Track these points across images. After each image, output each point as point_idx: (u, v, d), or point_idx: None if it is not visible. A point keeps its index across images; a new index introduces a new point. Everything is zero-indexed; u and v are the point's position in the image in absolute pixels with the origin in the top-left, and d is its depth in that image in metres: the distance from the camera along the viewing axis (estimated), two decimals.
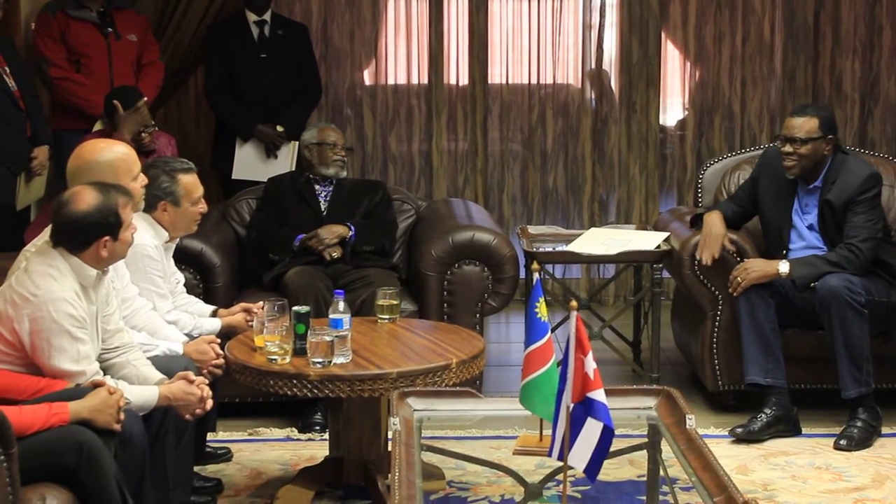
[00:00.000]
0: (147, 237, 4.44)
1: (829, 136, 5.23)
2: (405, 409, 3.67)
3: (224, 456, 4.88)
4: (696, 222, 5.53)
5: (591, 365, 2.99)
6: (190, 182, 4.60)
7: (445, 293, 5.39)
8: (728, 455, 4.90)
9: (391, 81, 7.69)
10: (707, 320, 5.41)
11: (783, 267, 5.11)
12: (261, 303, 4.45)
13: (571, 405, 3.02)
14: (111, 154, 4.16)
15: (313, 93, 6.97)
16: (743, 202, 5.51)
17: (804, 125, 5.21)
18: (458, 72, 7.64)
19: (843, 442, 5.02)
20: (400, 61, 7.68)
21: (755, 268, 5.14)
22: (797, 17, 7.62)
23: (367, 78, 7.69)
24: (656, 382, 5.34)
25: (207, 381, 3.97)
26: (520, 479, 3.71)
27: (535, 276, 3.50)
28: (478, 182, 7.66)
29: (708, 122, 7.76)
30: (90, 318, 3.77)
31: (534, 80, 7.73)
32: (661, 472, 3.73)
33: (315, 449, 4.96)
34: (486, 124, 7.65)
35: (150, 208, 4.50)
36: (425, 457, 4.25)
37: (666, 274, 5.73)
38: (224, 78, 6.76)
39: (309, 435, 5.17)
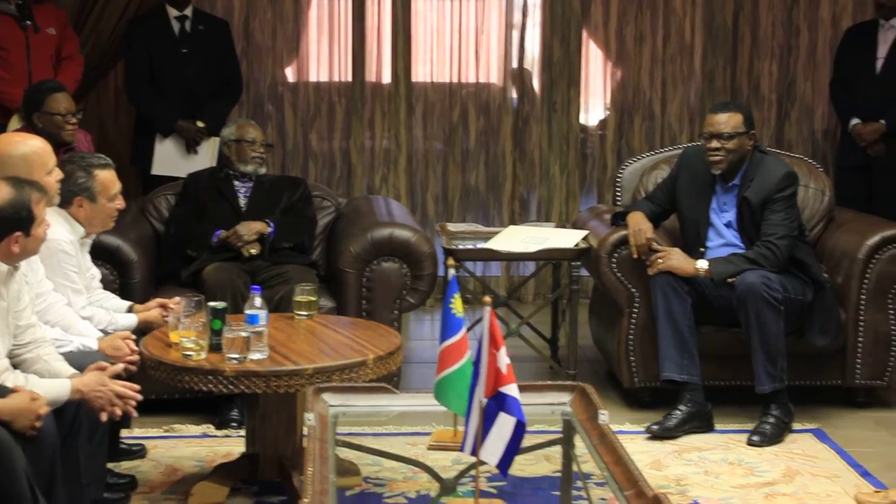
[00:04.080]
0: (62, 232, 4.40)
1: (752, 132, 5.30)
2: (320, 404, 3.67)
3: (138, 453, 4.85)
4: (616, 220, 5.57)
5: (503, 360, 3.01)
6: (107, 178, 4.55)
7: (364, 290, 5.40)
8: (643, 451, 4.95)
9: (313, 78, 7.68)
10: (623, 318, 5.46)
11: (701, 264, 5.17)
12: (177, 298, 4.43)
13: (484, 400, 3.04)
14: (25, 148, 4.13)
15: (234, 89, 6.94)
16: (661, 201, 5.56)
17: (730, 120, 5.27)
18: (380, 70, 7.63)
19: (755, 438, 5.09)
20: (322, 58, 7.67)
21: (676, 258, 5.20)
22: (716, 19, 7.70)
23: (289, 75, 7.67)
24: (573, 379, 5.38)
25: (124, 375, 3.95)
26: (434, 475, 3.73)
27: (451, 272, 3.50)
28: (400, 180, 7.66)
29: (628, 122, 7.83)
30: (0, 314, 3.73)
31: (456, 79, 7.74)
32: (575, 468, 3.76)
33: (231, 445, 4.94)
34: (408, 122, 7.66)
35: (65, 203, 4.46)
36: (341, 453, 4.28)
37: (584, 272, 5.78)
38: (144, 73, 6.72)
39: (226, 431, 5.16)
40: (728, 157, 5.26)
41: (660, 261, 5.20)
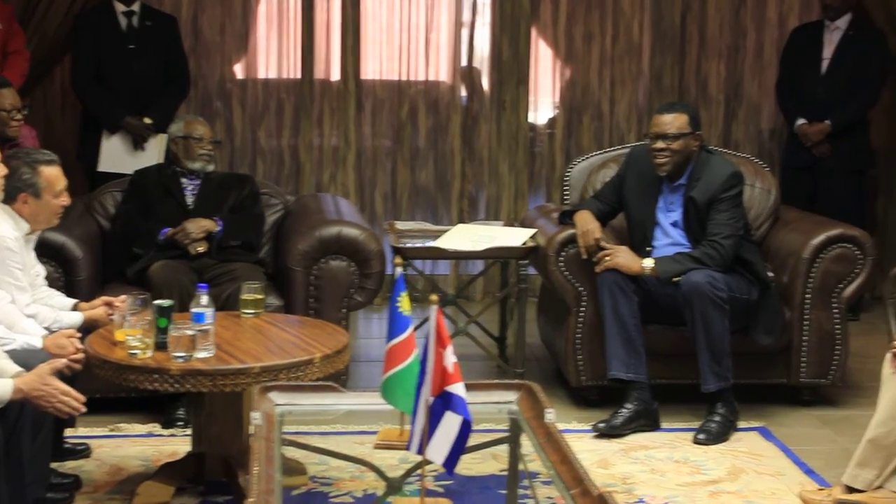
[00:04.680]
0: (7, 229, 4.35)
1: (697, 133, 5.33)
2: (266, 403, 3.65)
3: (83, 452, 4.81)
4: (564, 219, 5.59)
5: (450, 359, 3.01)
6: (52, 174, 4.51)
7: (311, 288, 5.38)
8: (590, 449, 4.97)
9: (262, 75, 7.65)
10: (571, 316, 5.47)
11: (647, 263, 5.20)
12: (123, 297, 4.40)
13: (431, 399, 3.04)
14: None
15: (182, 85, 6.90)
16: (609, 200, 5.58)
17: (675, 121, 5.29)
18: (329, 67, 7.62)
19: (701, 436, 5.12)
20: (271, 55, 7.65)
21: (623, 255, 5.22)
22: (665, 19, 7.74)
23: (238, 71, 7.64)
24: (521, 378, 5.38)
25: (68, 373, 3.92)
26: (381, 474, 3.72)
27: (399, 270, 3.51)
28: (349, 178, 7.65)
29: (577, 120, 7.85)
30: None
31: (406, 77, 7.74)
32: (522, 467, 3.76)
33: (177, 444, 4.91)
34: (357, 120, 7.64)
35: (10, 200, 4.42)
36: (288, 452, 4.26)
37: (532, 270, 5.79)
38: (91, 68, 6.66)
39: (172, 430, 5.13)
40: (673, 157, 5.28)
41: (606, 258, 5.22)
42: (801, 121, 7.20)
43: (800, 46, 7.36)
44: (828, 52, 7.22)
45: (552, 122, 7.96)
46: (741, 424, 5.28)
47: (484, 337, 6.13)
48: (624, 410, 5.20)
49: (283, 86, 7.65)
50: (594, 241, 5.30)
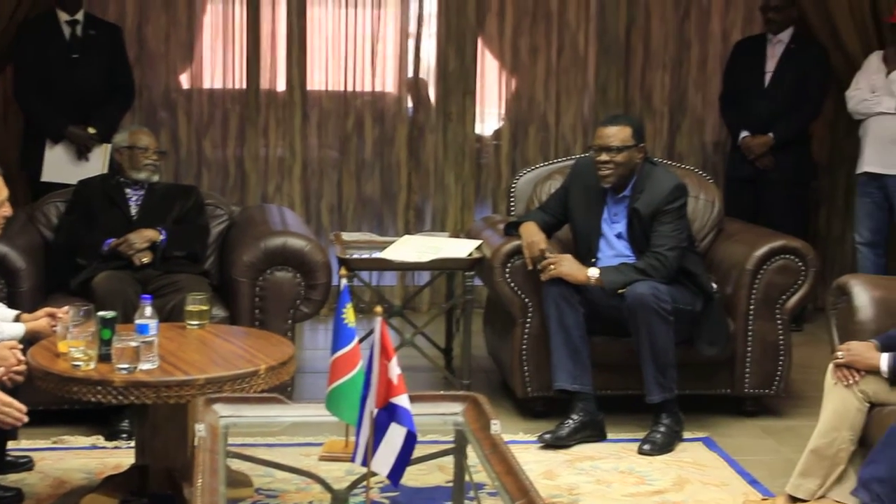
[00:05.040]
0: None
1: (641, 145, 5.36)
2: (211, 415, 3.63)
3: (25, 465, 4.76)
4: (510, 231, 5.60)
5: (395, 370, 3.00)
6: None
7: (257, 299, 5.36)
8: (536, 460, 4.97)
9: (207, 85, 7.62)
10: (517, 328, 5.48)
11: (592, 273, 5.22)
12: (66, 308, 4.36)
13: (375, 411, 3.03)
14: None
15: (126, 95, 6.86)
16: (554, 211, 5.60)
17: (619, 133, 5.32)
18: (275, 77, 7.60)
19: (646, 447, 5.14)
20: (216, 65, 7.62)
21: (568, 265, 5.22)
22: (609, 32, 7.79)
23: (183, 81, 7.61)
24: (467, 389, 5.39)
25: (10, 385, 3.88)
26: (326, 486, 3.70)
27: (344, 282, 3.50)
28: (294, 189, 7.63)
29: (523, 132, 7.87)
30: None
31: (351, 88, 7.73)
32: (467, 478, 3.76)
33: (121, 457, 4.87)
34: (303, 130, 7.62)
35: None
36: (234, 464, 4.25)
37: (478, 281, 5.79)
38: (34, 77, 6.61)
39: (116, 443, 5.09)
40: (617, 169, 5.31)
41: (552, 267, 5.23)
42: (744, 133, 7.26)
43: (743, 59, 7.43)
44: (770, 65, 7.29)
45: (498, 133, 7.98)
46: (686, 435, 5.31)
47: (430, 348, 6.13)
48: (570, 421, 5.21)
49: (228, 96, 7.63)
50: (539, 253, 5.31)
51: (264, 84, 7.58)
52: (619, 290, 5.19)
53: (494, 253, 5.49)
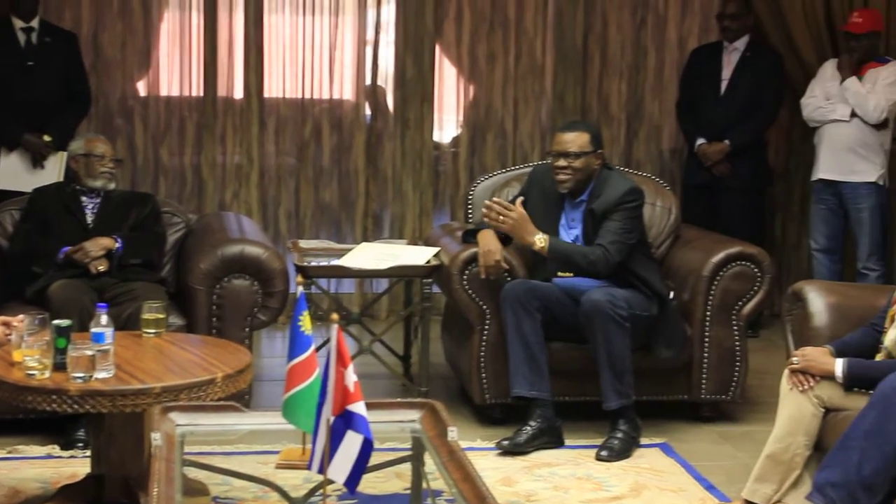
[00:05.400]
0: None
1: (599, 151, 5.38)
2: (167, 423, 3.62)
3: None
4: (467, 238, 5.60)
5: (351, 378, 3.00)
6: None
7: (214, 307, 5.34)
8: (494, 467, 4.98)
9: (164, 93, 7.59)
10: (475, 335, 5.49)
11: (539, 239, 5.23)
12: (21, 316, 4.32)
13: (332, 418, 3.03)
14: None
15: (83, 102, 6.83)
16: None
17: (577, 140, 5.34)
18: (232, 84, 7.58)
19: (604, 453, 5.15)
20: (173, 73, 7.59)
21: (518, 226, 5.25)
22: (567, 39, 7.81)
23: (140, 89, 7.57)
24: (425, 396, 5.39)
25: None
26: (284, 494, 3.70)
27: (300, 289, 3.49)
28: (252, 196, 7.61)
29: (481, 139, 7.88)
30: None
31: (309, 95, 7.72)
32: (425, 485, 3.76)
33: (77, 466, 4.84)
34: (261, 138, 7.61)
35: None
36: (191, 472, 4.23)
37: (436, 289, 5.79)
38: None
39: (71, 452, 5.05)
40: (575, 175, 5.33)
41: (502, 218, 5.23)
42: (700, 140, 7.31)
43: (699, 67, 7.48)
44: (727, 72, 7.34)
45: (456, 140, 7.99)
46: (643, 441, 5.33)
47: (388, 355, 6.12)
48: (527, 428, 5.22)
49: (185, 103, 7.59)
50: (495, 262, 5.32)
51: (221, 91, 7.56)
52: (561, 274, 5.22)
53: (452, 260, 5.49)
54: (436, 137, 7.88)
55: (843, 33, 7.16)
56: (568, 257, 5.23)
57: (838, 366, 4.26)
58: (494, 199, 5.37)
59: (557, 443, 5.28)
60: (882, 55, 7.16)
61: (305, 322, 3.38)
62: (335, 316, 3.05)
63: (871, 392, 3.98)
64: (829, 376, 4.28)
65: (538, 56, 7.85)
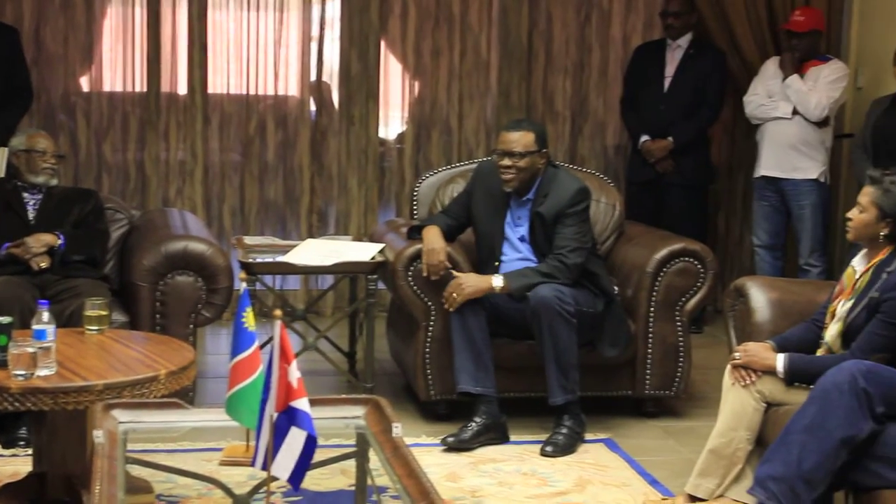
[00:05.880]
0: None
1: (544, 150, 5.39)
2: (109, 421, 3.59)
3: None
4: (413, 234, 5.60)
5: (294, 374, 2.99)
6: None
7: (158, 304, 5.31)
8: (439, 463, 4.98)
9: (107, 88, 7.52)
10: (420, 331, 5.49)
11: (497, 282, 5.23)
12: None
13: (275, 415, 3.02)
14: None
15: (24, 97, 6.76)
16: (457, 215, 5.61)
17: (521, 139, 5.35)
18: (175, 80, 7.53)
19: (548, 448, 5.17)
20: (116, 68, 7.53)
21: (469, 283, 5.23)
22: (512, 36, 7.82)
23: (83, 84, 7.51)
24: (370, 392, 5.38)
25: None
26: (228, 491, 3.68)
27: (244, 285, 3.47)
28: (196, 192, 7.57)
29: (426, 135, 7.88)
30: None
31: (254, 91, 7.69)
32: (370, 481, 3.76)
33: (19, 465, 4.79)
34: (205, 134, 7.57)
35: None
36: (135, 470, 4.20)
37: (381, 285, 5.79)
38: None
39: (13, 450, 5.00)
40: (520, 174, 5.34)
41: (454, 296, 5.22)
42: (644, 137, 7.35)
43: (643, 64, 7.52)
44: (670, 70, 7.39)
45: (401, 137, 7.98)
46: (588, 436, 5.35)
47: (333, 352, 6.11)
48: (472, 424, 5.23)
49: (128, 99, 7.54)
50: (438, 262, 5.32)
51: (165, 87, 7.51)
52: (526, 294, 5.22)
53: (397, 256, 5.49)
54: (381, 134, 7.87)
55: (784, 32, 7.22)
56: (528, 284, 5.22)
57: (779, 361, 4.31)
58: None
59: (502, 439, 5.30)
60: (823, 53, 7.24)
61: (249, 319, 3.37)
62: (278, 312, 3.05)
63: (812, 387, 4.01)
64: (770, 371, 4.33)
65: (483, 52, 7.85)
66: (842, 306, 4.35)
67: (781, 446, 3.94)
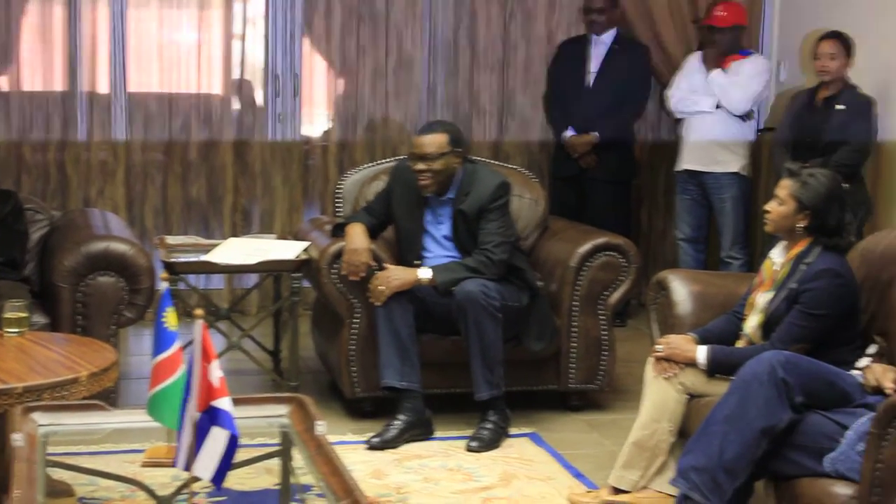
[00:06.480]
0: None
1: (458, 150, 5.40)
2: (29, 424, 3.56)
3: None
4: (336, 232, 5.59)
5: (216, 373, 2.98)
6: None
7: (79, 305, 5.25)
8: (364, 460, 4.98)
9: (27, 87, 7.43)
10: (344, 328, 5.48)
11: (424, 274, 5.24)
12: None
13: (197, 414, 3.01)
14: None
15: None
16: (378, 213, 5.61)
17: (434, 141, 5.35)
18: (96, 79, 7.46)
19: (473, 443, 5.18)
20: (36, 67, 7.43)
21: (396, 276, 5.23)
22: (437, 33, 7.83)
23: (2, 83, 7.41)
24: (295, 391, 5.35)
25: None
26: (150, 492, 3.67)
27: (165, 285, 3.45)
28: (118, 192, 7.50)
29: (351, 133, 7.86)
30: None
31: (177, 90, 7.63)
32: (294, 480, 3.75)
33: None
34: (127, 134, 7.50)
35: None
36: (56, 473, 4.16)
37: (306, 283, 5.78)
38: None
39: None
40: (436, 177, 5.35)
41: (381, 288, 5.22)
42: (568, 132, 7.38)
43: (567, 60, 7.56)
44: (594, 65, 7.43)
45: (326, 134, 7.96)
46: (513, 431, 5.37)
47: (258, 351, 6.08)
48: (397, 421, 5.23)
49: (49, 99, 7.45)
50: (359, 263, 5.31)
51: (86, 86, 7.43)
52: (452, 288, 5.23)
53: (321, 254, 5.47)
54: (305, 132, 7.85)
55: (707, 27, 7.29)
56: (455, 279, 5.22)
57: (701, 353, 4.35)
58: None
59: (427, 434, 5.30)
60: (745, 48, 7.32)
61: (170, 318, 3.35)
62: (199, 312, 3.03)
63: (733, 378, 4.05)
64: (692, 363, 4.36)
65: (408, 50, 7.85)
66: (761, 298, 4.40)
67: (703, 437, 3.98)
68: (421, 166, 5.34)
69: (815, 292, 4.21)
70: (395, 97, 7.87)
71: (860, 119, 6.32)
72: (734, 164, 7.12)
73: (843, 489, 3.68)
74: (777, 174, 6.01)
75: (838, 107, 6.36)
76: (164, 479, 4.37)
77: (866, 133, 6.33)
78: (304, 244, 5.77)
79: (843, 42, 6.40)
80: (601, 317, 5.70)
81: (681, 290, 4.77)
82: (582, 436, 5.46)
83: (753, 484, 4.03)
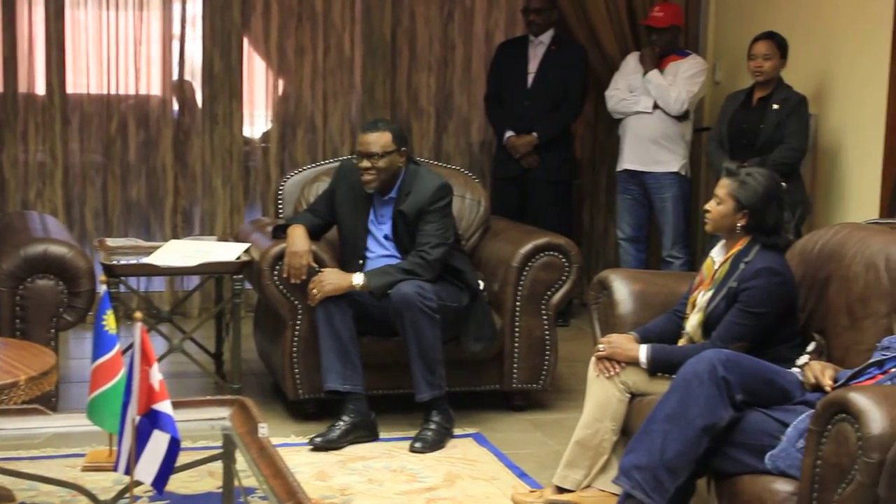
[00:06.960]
0: None
1: (403, 149, 5.40)
2: None
3: None
4: (278, 233, 5.57)
5: (156, 376, 2.96)
6: None
7: (18, 308, 5.19)
8: (308, 462, 4.97)
9: None
10: (287, 330, 5.46)
11: (357, 279, 5.23)
12: None
13: (137, 418, 2.98)
14: None
15: None
16: (321, 213, 5.60)
17: (379, 139, 5.35)
18: (33, 80, 7.38)
19: (417, 444, 5.18)
20: None
21: (330, 280, 5.22)
22: (375, 34, 7.83)
23: None
24: (238, 393, 5.32)
25: None
26: (92, 497, 3.63)
27: (104, 288, 3.42)
28: (56, 194, 7.43)
29: (291, 134, 7.85)
30: None
31: (115, 91, 7.58)
32: (237, 482, 3.73)
33: None
34: (64, 135, 7.43)
35: None
36: None
37: (248, 285, 5.75)
38: None
39: None
40: (380, 175, 5.35)
41: (315, 291, 5.21)
42: (509, 133, 7.40)
43: (506, 61, 7.58)
44: (533, 66, 7.46)
45: (266, 135, 7.94)
46: (456, 431, 5.38)
47: (200, 353, 6.05)
48: (341, 423, 5.22)
49: None
50: (300, 266, 5.29)
51: (22, 87, 7.36)
52: (388, 292, 5.22)
53: (263, 256, 5.45)
54: (245, 133, 7.82)
55: (644, 27, 7.34)
56: (389, 282, 5.22)
57: (642, 352, 4.37)
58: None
59: (371, 436, 5.30)
60: (682, 48, 7.37)
61: (110, 321, 3.32)
62: (138, 314, 3.01)
63: (674, 377, 4.08)
64: (633, 362, 4.39)
65: (347, 50, 7.84)
66: (702, 297, 4.43)
67: (645, 436, 4.00)
68: (366, 164, 5.34)
69: (755, 291, 4.25)
70: (334, 98, 7.86)
71: (795, 118, 6.38)
72: (674, 163, 7.17)
73: (783, 486, 3.71)
74: (715, 173, 6.07)
75: (774, 106, 6.41)
76: (106, 484, 4.34)
77: (802, 132, 6.39)
78: (245, 246, 5.75)
79: (778, 42, 6.46)
80: (544, 317, 5.71)
81: (622, 289, 4.79)
82: (525, 435, 5.47)
83: (695, 482, 4.06)
